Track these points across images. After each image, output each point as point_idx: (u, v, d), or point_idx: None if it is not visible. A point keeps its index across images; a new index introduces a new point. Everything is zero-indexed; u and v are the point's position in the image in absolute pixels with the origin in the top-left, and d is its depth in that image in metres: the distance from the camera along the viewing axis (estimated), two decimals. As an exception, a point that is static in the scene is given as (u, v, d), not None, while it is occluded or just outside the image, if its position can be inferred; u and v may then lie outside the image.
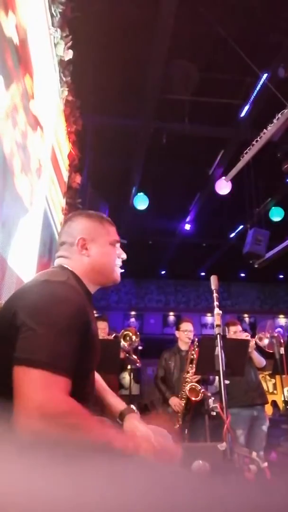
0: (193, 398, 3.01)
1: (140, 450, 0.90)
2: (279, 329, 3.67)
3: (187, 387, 3.07)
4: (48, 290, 0.95)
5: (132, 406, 1.21)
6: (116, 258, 1.19)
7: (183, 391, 3.10)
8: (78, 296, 0.99)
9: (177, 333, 3.47)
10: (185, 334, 3.36)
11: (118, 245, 1.22)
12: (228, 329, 3.28)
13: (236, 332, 3.22)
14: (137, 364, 3.22)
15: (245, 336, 3.19)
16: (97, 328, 1.15)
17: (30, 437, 0.74)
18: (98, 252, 1.14)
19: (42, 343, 0.83)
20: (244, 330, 3.40)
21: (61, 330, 0.86)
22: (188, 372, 3.15)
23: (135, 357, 3.16)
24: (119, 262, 1.20)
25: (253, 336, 3.31)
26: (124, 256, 1.21)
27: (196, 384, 3.07)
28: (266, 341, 3.26)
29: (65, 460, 0.71)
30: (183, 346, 3.38)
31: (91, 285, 1.15)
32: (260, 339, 3.23)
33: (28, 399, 0.77)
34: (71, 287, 0.99)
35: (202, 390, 3.02)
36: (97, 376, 1.29)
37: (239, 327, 3.27)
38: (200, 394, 3.01)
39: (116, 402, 1.23)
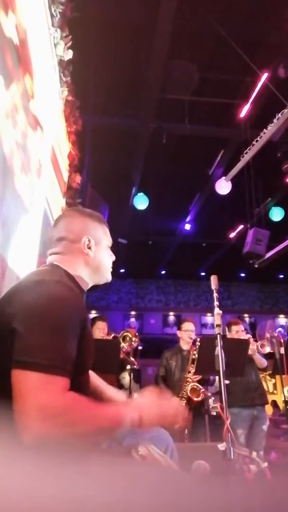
0: (194, 398, 3.01)
1: (145, 419, 0.91)
2: (280, 329, 3.68)
3: (189, 387, 3.07)
4: (44, 290, 0.94)
5: (135, 395, 1.24)
6: (110, 260, 1.24)
7: (184, 391, 3.10)
8: (73, 295, 0.99)
9: (178, 333, 3.47)
10: (187, 334, 3.36)
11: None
12: (230, 328, 3.28)
13: (238, 331, 3.22)
14: (134, 366, 3.22)
15: (247, 337, 3.19)
16: (91, 328, 1.18)
17: (34, 440, 0.74)
18: (101, 254, 1.19)
19: (40, 344, 0.82)
20: (245, 330, 3.40)
21: (58, 331, 0.86)
22: (189, 372, 3.15)
23: (132, 359, 3.16)
24: (110, 264, 1.26)
25: (253, 336, 3.31)
26: (113, 257, 1.26)
27: (197, 384, 3.07)
28: (267, 349, 3.25)
29: (69, 462, 0.72)
30: (184, 345, 3.38)
31: (85, 283, 1.16)
32: (262, 346, 3.23)
33: (27, 402, 0.76)
34: (65, 286, 0.99)
35: (203, 390, 3.02)
36: (93, 374, 1.29)
37: (241, 327, 3.27)
38: (201, 394, 3.01)
39: (117, 395, 1.29)
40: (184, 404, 3.08)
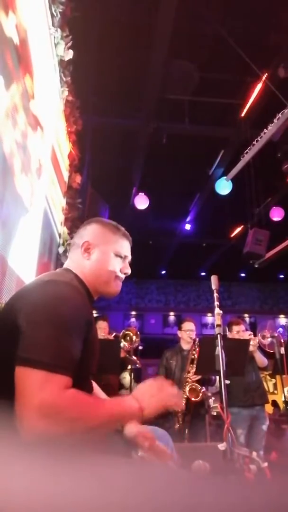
0: (193, 398, 3.01)
1: (146, 407, 0.93)
2: (280, 329, 3.68)
3: (187, 388, 3.07)
4: (51, 289, 0.95)
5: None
6: (116, 269, 1.14)
7: (184, 391, 3.10)
8: (81, 297, 1.00)
9: (179, 333, 3.47)
10: (187, 333, 3.36)
11: (126, 260, 1.18)
12: (231, 328, 3.27)
13: (239, 331, 3.22)
14: (137, 365, 3.21)
15: (248, 335, 3.18)
16: (96, 331, 1.15)
17: (34, 438, 0.75)
18: (97, 258, 1.13)
19: (43, 342, 0.83)
20: (248, 329, 3.39)
21: (63, 330, 0.86)
22: (189, 372, 3.15)
23: (135, 357, 3.16)
24: (120, 275, 1.16)
25: (255, 335, 3.31)
26: (127, 271, 1.17)
27: (196, 384, 3.06)
28: (269, 340, 3.26)
29: (69, 461, 0.72)
30: (185, 345, 3.38)
31: (92, 291, 1.14)
32: (264, 337, 3.24)
33: (28, 400, 0.77)
34: (74, 287, 1.00)
35: (203, 390, 3.02)
36: (94, 384, 1.29)
37: (242, 327, 3.26)
38: (200, 395, 3.00)
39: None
40: (184, 404, 3.08)
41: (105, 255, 1.14)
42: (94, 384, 1.23)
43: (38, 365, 0.79)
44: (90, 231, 1.17)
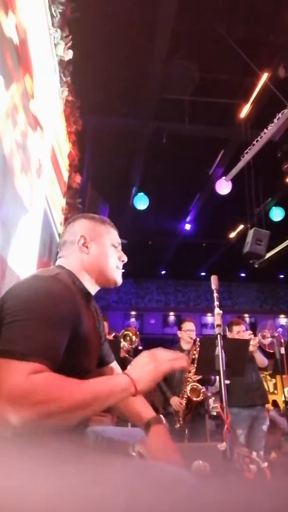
0: (194, 398, 3.01)
1: (138, 380, 0.88)
2: (279, 329, 3.68)
3: (188, 387, 3.07)
4: (32, 283, 0.96)
5: (161, 416, 1.14)
6: (116, 260, 1.17)
7: (184, 391, 3.10)
8: (66, 290, 0.98)
9: (179, 333, 3.47)
10: (187, 333, 3.36)
11: (119, 247, 1.21)
12: (232, 328, 3.27)
13: (239, 332, 3.21)
14: None
15: (248, 335, 3.18)
16: (94, 327, 1.13)
17: (11, 427, 0.75)
18: (97, 251, 1.14)
19: (18, 333, 0.84)
20: (248, 329, 3.39)
21: (38, 320, 0.86)
22: (189, 372, 3.15)
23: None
24: (119, 265, 1.19)
25: (255, 335, 3.31)
26: (125, 258, 1.20)
27: (197, 384, 3.07)
28: (269, 340, 3.26)
29: (67, 460, 0.71)
30: (185, 345, 3.38)
31: (91, 285, 1.13)
32: (264, 337, 3.24)
33: (1, 390, 0.77)
34: (59, 281, 0.98)
35: (203, 390, 3.02)
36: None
37: (242, 327, 3.26)
38: (201, 394, 3.00)
39: (144, 408, 1.17)
40: (184, 404, 3.08)
41: (103, 247, 1.15)
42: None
43: (7, 354, 0.79)
44: (81, 227, 1.17)
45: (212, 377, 3.16)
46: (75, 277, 1.10)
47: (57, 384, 0.81)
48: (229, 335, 3.22)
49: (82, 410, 0.83)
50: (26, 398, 0.76)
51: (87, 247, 1.13)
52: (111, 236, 1.19)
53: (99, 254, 1.14)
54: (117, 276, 1.17)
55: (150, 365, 0.92)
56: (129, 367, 0.94)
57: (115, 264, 1.17)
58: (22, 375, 0.78)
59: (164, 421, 1.12)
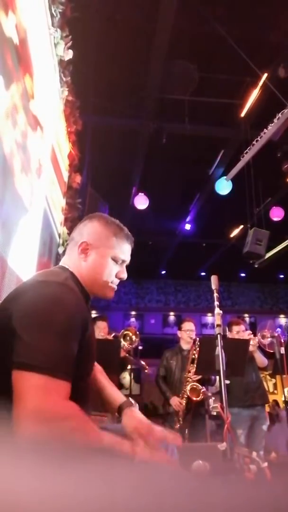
0: (194, 398, 3.01)
1: (138, 454, 0.89)
2: (278, 329, 3.68)
3: (188, 387, 3.07)
4: (45, 291, 0.93)
5: (131, 399, 1.20)
6: (112, 276, 1.11)
7: (184, 391, 3.10)
8: (76, 298, 0.97)
9: (179, 333, 3.47)
10: (187, 333, 3.36)
11: (123, 264, 1.14)
12: (231, 328, 3.27)
13: (239, 332, 3.21)
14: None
15: (248, 335, 3.18)
16: (94, 331, 1.13)
17: (28, 440, 0.74)
18: (94, 261, 1.08)
19: (40, 346, 0.82)
20: (247, 329, 3.39)
21: (58, 333, 0.85)
22: (189, 372, 3.15)
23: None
24: (115, 281, 1.14)
25: (255, 335, 3.31)
26: (123, 276, 1.14)
27: (197, 384, 3.07)
28: (268, 340, 3.26)
29: (70, 462, 0.71)
30: (185, 345, 3.38)
31: (88, 290, 1.12)
32: (263, 337, 3.24)
33: (27, 403, 0.76)
34: (68, 288, 0.97)
35: (203, 390, 3.02)
36: (99, 368, 1.28)
37: (242, 327, 3.26)
38: (201, 394, 3.00)
39: (115, 395, 1.20)
40: (184, 404, 3.08)
41: (102, 259, 1.09)
42: (96, 365, 1.23)
43: (35, 369, 0.78)
44: (90, 230, 1.12)
45: (212, 377, 3.16)
46: (78, 281, 1.08)
47: (84, 423, 0.84)
48: (229, 335, 3.22)
49: (91, 449, 0.85)
50: (57, 421, 0.78)
51: (85, 254, 1.09)
52: (117, 250, 1.11)
53: (95, 265, 1.09)
54: (107, 292, 1.13)
55: (154, 451, 0.94)
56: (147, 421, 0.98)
57: (109, 280, 1.11)
58: (57, 396, 0.79)
59: (134, 403, 1.19)
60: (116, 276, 1.13)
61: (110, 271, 1.10)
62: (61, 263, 1.13)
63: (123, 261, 1.14)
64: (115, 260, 1.11)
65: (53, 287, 0.94)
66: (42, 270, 1.14)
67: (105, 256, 1.09)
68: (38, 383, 0.78)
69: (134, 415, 1.09)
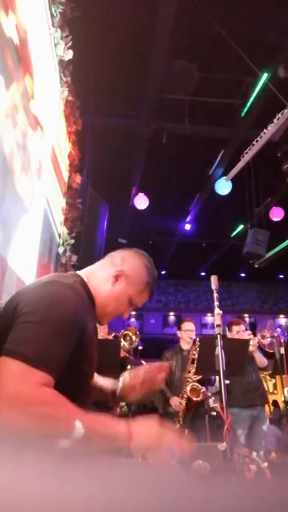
0: (194, 398, 3.01)
1: (135, 438, 0.87)
2: (278, 329, 3.68)
3: (188, 387, 3.07)
4: (50, 290, 0.96)
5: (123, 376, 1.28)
6: (120, 311, 1.18)
7: (184, 391, 3.10)
8: (80, 301, 0.99)
9: (179, 333, 3.47)
10: (187, 333, 3.36)
11: (132, 307, 1.21)
12: (231, 328, 3.27)
13: (239, 331, 3.22)
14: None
15: (248, 335, 3.18)
16: (96, 335, 1.15)
17: (2, 427, 0.75)
18: (118, 291, 1.13)
19: (31, 337, 0.84)
20: (247, 329, 3.39)
21: (52, 328, 0.87)
22: (189, 372, 3.15)
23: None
24: (117, 315, 1.20)
25: (255, 335, 3.31)
26: (124, 316, 1.21)
27: (197, 384, 3.07)
28: (268, 340, 3.27)
29: (69, 461, 0.71)
30: (185, 345, 3.38)
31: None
32: (263, 337, 3.24)
33: (3, 388, 0.77)
34: (75, 290, 1.00)
35: (203, 390, 3.02)
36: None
37: (242, 327, 3.26)
38: (201, 394, 3.00)
39: (106, 384, 1.28)
40: (184, 404, 3.08)
41: (124, 295, 1.14)
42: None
43: (18, 357, 0.80)
44: (134, 265, 1.17)
45: (212, 377, 3.16)
46: (86, 286, 1.11)
47: (65, 404, 0.82)
48: (229, 335, 3.22)
49: (66, 436, 0.81)
50: (31, 407, 0.77)
51: (116, 280, 1.13)
52: (139, 297, 1.18)
53: (116, 294, 1.13)
54: (104, 320, 1.19)
55: (154, 436, 0.90)
56: (136, 422, 0.91)
57: (115, 313, 1.18)
58: (32, 383, 0.79)
59: (124, 378, 1.28)
60: (118, 312, 1.19)
61: (121, 307, 1.17)
62: (81, 272, 1.17)
63: (134, 306, 1.20)
64: (130, 301, 1.17)
65: (60, 287, 0.97)
66: (42, 270, 1.16)
67: (127, 293, 1.15)
68: (18, 370, 0.79)
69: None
